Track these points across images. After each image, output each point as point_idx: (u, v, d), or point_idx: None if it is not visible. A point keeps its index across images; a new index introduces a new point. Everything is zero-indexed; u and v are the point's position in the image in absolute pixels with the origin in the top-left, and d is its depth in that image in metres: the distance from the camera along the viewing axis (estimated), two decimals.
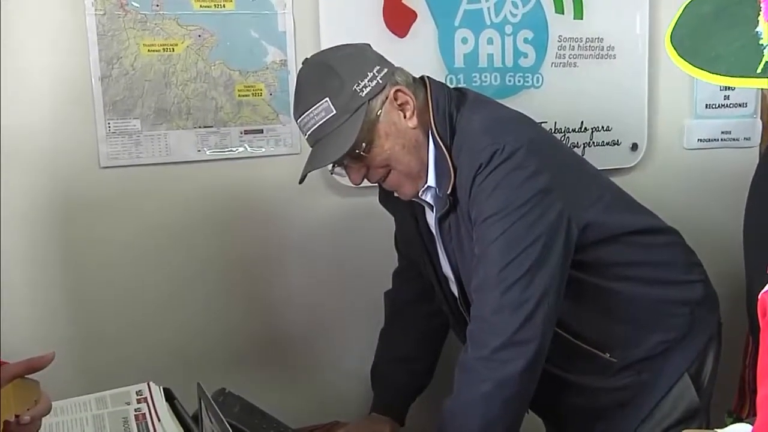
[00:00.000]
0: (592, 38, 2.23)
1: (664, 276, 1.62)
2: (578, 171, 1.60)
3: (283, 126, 1.98)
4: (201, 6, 1.87)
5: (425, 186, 1.53)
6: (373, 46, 1.55)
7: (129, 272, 1.90)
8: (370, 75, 1.46)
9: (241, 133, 1.95)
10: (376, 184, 1.61)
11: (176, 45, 1.86)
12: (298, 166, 1.97)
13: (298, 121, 1.50)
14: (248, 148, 1.96)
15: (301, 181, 1.54)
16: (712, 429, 1.13)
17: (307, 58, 1.53)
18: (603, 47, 2.24)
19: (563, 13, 2.19)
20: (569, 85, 2.21)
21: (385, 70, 1.49)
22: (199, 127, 1.91)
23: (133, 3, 1.81)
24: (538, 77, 2.18)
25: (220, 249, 1.98)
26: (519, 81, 2.16)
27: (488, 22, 2.11)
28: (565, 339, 1.55)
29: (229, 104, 1.92)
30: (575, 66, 2.22)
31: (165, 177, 1.90)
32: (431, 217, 1.60)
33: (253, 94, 1.94)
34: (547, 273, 1.41)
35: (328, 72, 1.46)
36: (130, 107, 1.84)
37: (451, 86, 1.65)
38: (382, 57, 1.52)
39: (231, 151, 1.95)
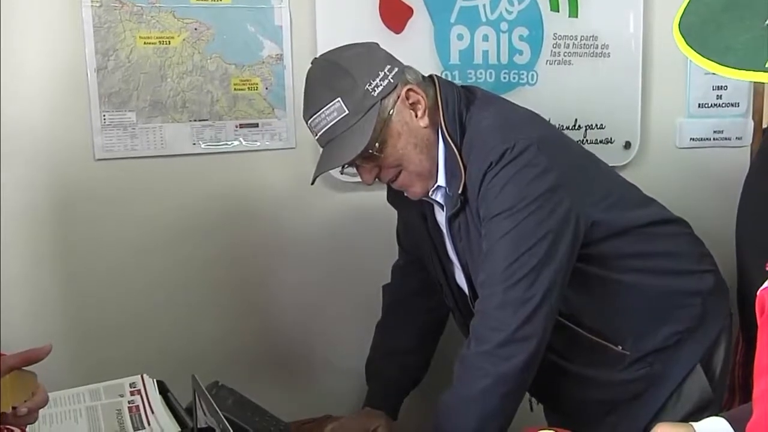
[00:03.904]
0: (587, 36, 2.24)
1: (675, 266, 1.62)
2: (587, 168, 1.61)
3: (279, 120, 1.98)
4: None
5: (435, 185, 1.54)
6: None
7: (123, 264, 1.90)
8: (382, 74, 1.46)
9: (237, 126, 1.95)
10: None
11: (172, 38, 1.86)
12: (293, 160, 2.00)
13: (309, 121, 1.49)
14: (243, 142, 1.96)
15: (313, 182, 1.53)
16: (687, 423, 1.15)
17: (316, 58, 1.53)
18: (597, 45, 2.25)
19: (558, 11, 2.20)
20: (563, 83, 2.22)
21: (396, 69, 1.49)
22: (195, 120, 1.91)
23: None
24: (532, 74, 2.19)
25: (214, 242, 1.97)
26: (514, 78, 2.17)
27: (484, 19, 2.12)
28: (577, 333, 1.56)
29: (225, 98, 1.92)
30: (570, 64, 2.23)
31: (160, 170, 1.90)
32: (440, 216, 1.60)
33: (248, 88, 1.94)
34: (552, 270, 1.42)
35: (339, 71, 1.45)
36: (125, 99, 1.84)
37: (460, 84, 1.64)
38: (391, 56, 1.52)
39: (226, 144, 1.95)
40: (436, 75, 1.59)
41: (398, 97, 1.48)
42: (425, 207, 1.64)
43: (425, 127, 1.51)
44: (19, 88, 1.76)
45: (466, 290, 1.63)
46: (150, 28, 1.84)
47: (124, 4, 1.81)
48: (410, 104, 1.49)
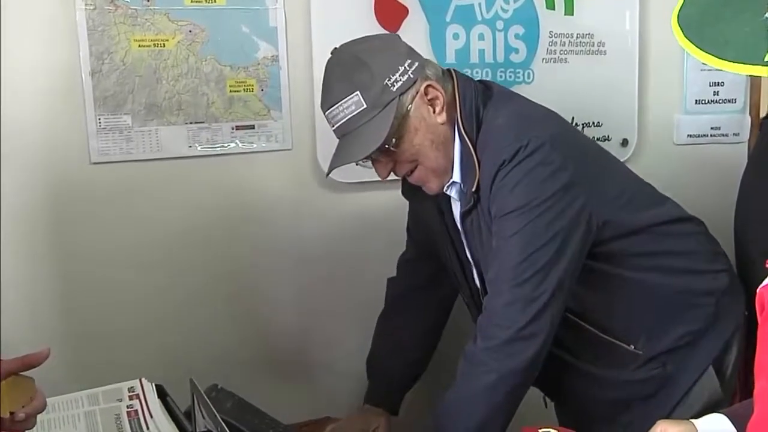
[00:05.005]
0: (583, 34, 2.24)
1: (689, 265, 1.62)
2: (601, 166, 1.60)
3: (275, 122, 1.97)
4: (192, 1, 1.86)
5: (450, 181, 1.54)
6: None
7: (121, 268, 1.89)
8: (402, 69, 1.46)
9: (233, 128, 1.94)
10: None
11: (167, 40, 1.85)
12: (290, 161, 2.00)
13: (326, 112, 1.50)
14: (240, 144, 1.95)
15: (328, 174, 1.55)
16: (688, 420, 1.15)
17: (336, 48, 1.52)
18: (593, 43, 2.25)
19: (554, 9, 2.19)
20: (560, 81, 2.22)
21: (416, 64, 1.48)
22: (191, 122, 1.90)
23: None
24: (529, 73, 2.19)
25: (211, 244, 1.97)
26: (510, 77, 2.17)
27: (479, 18, 2.11)
28: (590, 332, 1.57)
29: (221, 100, 1.92)
30: (566, 62, 2.23)
31: (156, 173, 1.89)
32: (457, 211, 1.60)
33: (244, 89, 1.93)
34: (561, 269, 1.42)
35: (359, 65, 1.45)
36: (120, 103, 1.83)
37: (477, 79, 1.64)
38: (412, 49, 1.52)
39: (222, 146, 1.94)
40: (454, 69, 1.58)
41: (417, 93, 1.48)
42: (442, 201, 1.64)
43: (442, 124, 1.51)
44: (13, 92, 1.75)
45: (479, 287, 1.64)
46: (144, 30, 1.83)
47: (118, 7, 1.80)
48: (429, 100, 1.50)
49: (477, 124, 1.51)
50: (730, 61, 0.66)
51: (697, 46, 0.69)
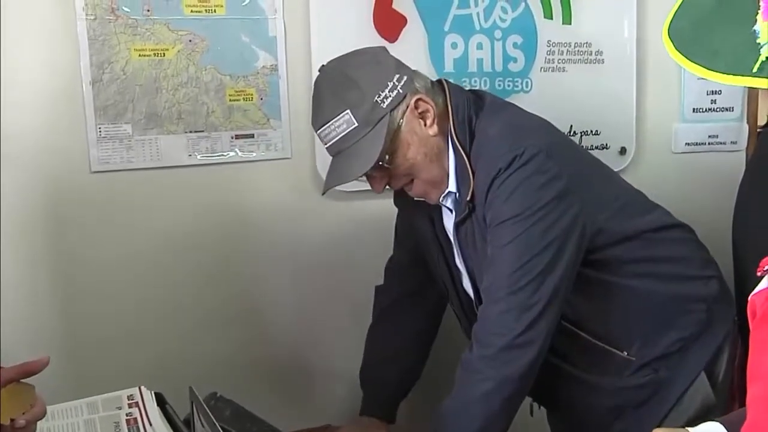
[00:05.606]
0: (581, 43, 2.25)
1: (680, 272, 1.62)
2: (595, 175, 1.61)
3: (274, 131, 1.98)
4: (191, 11, 1.87)
5: (446, 191, 1.54)
6: None
7: (120, 276, 1.90)
8: (391, 84, 1.46)
9: (232, 137, 1.95)
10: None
11: (167, 50, 1.86)
12: (289, 170, 2.01)
13: (318, 131, 1.50)
14: (239, 153, 1.96)
15: (324, 192, 1.56)
16: (683, 428, 1.15)
17: (323, 66, 1.52)
18: (591, 52, 2.26)
19: (552, 19, 2.20)
20: (558, 90, 2.23)
21: (405, 78, 1.48)
22: (190, 131, 1.91)
23: (124, 8, 1.81)
24: (527, 82, 2.20)
25: (211, 253, 1.97)
26: (508, 86, 2.18)
27: (478, 27, 2.12)
28: (583, 338, 1.57)
29: (220, 109, 1.93)
30: (564, 71, 2.23)
31: (156, 181, 1.90)
32: (448, 220, 1.60)
33: (244, 98, 1.94)
34: (556, 277, 1.43)
35: (348, 82, 1.45)
36: (120, 112, 1.84)
37: (467, 89, 1.64)
38: (399, 63, 1.52)
39: (222, 155, 1.95)
40: (445, 80, 1.58)
41: (407, 107, 1.48)
42: (433, 211, 1.64)
43: (434, 136, 1.51)
44: (14, 101, 1.76)
45: (472, 296, 1.63)
46: (144, 40, 1.84)
47: (119, 17, 1.81)
48: (419, 113, 1.50)
49: (470, 134, 1.51)
50: (719, 72, 0.66)
51: (688, 58, 0.69)
